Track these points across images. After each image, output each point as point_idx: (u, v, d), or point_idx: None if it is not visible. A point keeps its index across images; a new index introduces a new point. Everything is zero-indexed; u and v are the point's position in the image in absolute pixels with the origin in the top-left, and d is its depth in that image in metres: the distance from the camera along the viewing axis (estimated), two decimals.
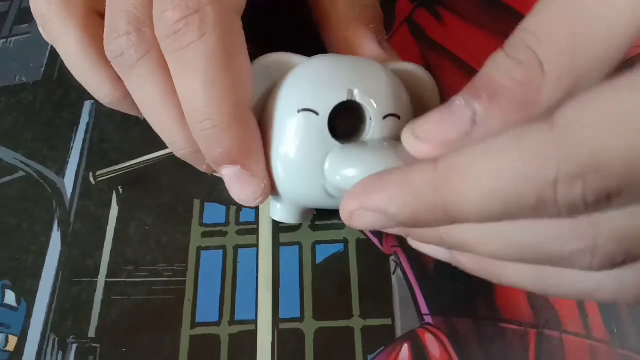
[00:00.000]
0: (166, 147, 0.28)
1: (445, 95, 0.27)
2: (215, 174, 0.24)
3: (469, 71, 0.30)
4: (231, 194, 0.22)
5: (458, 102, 0.16)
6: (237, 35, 0.20)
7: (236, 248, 0.27)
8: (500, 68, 0.16)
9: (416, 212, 0.15)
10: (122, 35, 0.20)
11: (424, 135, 0.17)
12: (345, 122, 0.21)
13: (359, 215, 0.17)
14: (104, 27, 0.21)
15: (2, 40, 0.33)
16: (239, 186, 0.21)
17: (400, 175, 0.16)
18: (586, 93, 0.13)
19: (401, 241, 0.26)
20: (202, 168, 0.24)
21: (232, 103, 0.20)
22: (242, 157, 0.21)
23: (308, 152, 0.20)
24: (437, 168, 0.15)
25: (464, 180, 0.14)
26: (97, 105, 0.31)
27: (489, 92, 0.15)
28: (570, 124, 0.13)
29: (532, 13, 0.16)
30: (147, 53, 0.20)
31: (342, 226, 0.27)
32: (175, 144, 0.22)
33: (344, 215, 0.18)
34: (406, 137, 0.17)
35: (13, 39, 0.33)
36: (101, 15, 0.22)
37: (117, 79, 0.22)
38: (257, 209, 0.27)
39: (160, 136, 0.23)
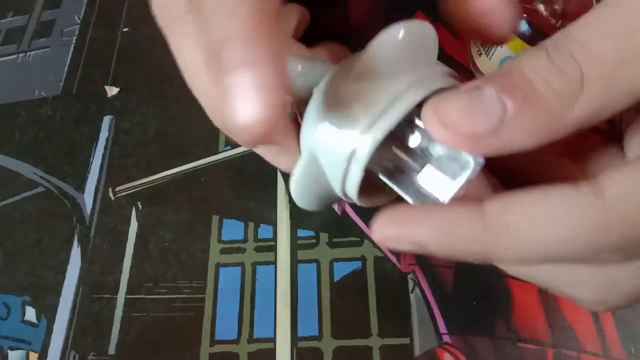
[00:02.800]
0: (184, 163, 0.29)
1: None
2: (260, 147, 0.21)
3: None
4: (231, 111, 0.15)
5: (489, 93, 0.15)
6: None
7: (254, 265, 0.27)
8: (540, 70, 0.15)
9: (454, 253, 0.15)
10: None
11: (449, 123, 0.15)
12: None
13: (394, 241, 0.17)
14: None
15: (20, 55, 0.34)
16: (244, 96, 0.15)
17: (447, 218, 0.15)
18: (628, 165, 0.14)
19: (419, 259, 0.26)
20: (243, 142, 0.17)
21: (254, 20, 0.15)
22: (257, 56, 0.15)
23: None
24: (486, 224, 0.15)
25: (513, 241, 0.15)
26: (116, 120, 0.31)
27: (524, 93, 0.15)
28: (619, 199, 0.14)
29: (583, 20, 0.15)
30: (197, 7, 0.16)
31: (359, 243, 0.27)
32: (218, 113, 0.19)
33: (377, 235, 0.17)
34: (428, 117, 0.16)
35: (32, 52, 0.34)
36: None
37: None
38: (274, 225, 0.28)
39: (203, 104, 0.19)
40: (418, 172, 0.18)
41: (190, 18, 0.17)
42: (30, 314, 0.26)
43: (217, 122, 0.19)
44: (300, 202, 0.21)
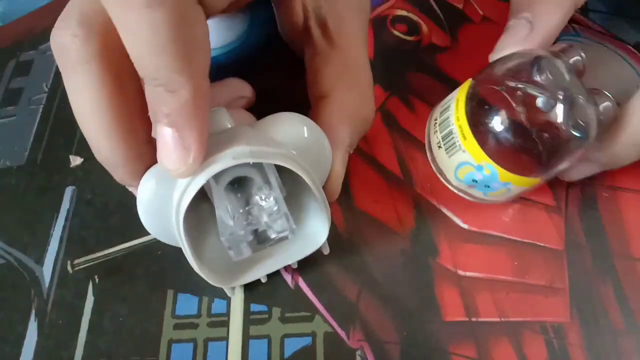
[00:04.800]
0: (142, 236, 0.30)
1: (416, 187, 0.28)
2: (128, 186, 0.26)
3: None
4: (157, 155, 0.22)
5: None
6: (191, 9, 0.21)
7: (206, 341, 0.27)
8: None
9: None
10: (69, 34, 0.21)
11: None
12: None
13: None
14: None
15: None
16: (168, 150, 0.21)
17: None
18: None
19: (367, 335, 0.27)
20: (117, 178, 0.25)
21: (180, 70, 0.20)
22: (179, 123, 0.21)
23: None
24: None
25: None
26: (78, 191, 0.32)
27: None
28: None
29: None
30: (88, 63, 0.21)
31: (310, 318, 0.28)
32: (99, 153, 0.23)
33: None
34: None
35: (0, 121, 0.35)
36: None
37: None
38: (228, 300, 0.28)
39: (87, 140, 0.23)
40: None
41: (81, 70, 0.21)
42: None
43: (98, 157, 0.24)
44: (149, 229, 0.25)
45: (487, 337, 0.26)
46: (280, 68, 0.34)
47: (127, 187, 0.26)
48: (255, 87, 0.30)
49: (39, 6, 0.39)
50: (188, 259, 0.24)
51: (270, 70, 0.34)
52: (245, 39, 0.32)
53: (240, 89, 0.30)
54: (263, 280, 0.28)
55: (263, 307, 0.28)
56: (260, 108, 0.29)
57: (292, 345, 0.27)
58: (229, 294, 0.28)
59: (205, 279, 0.25)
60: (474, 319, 0.27)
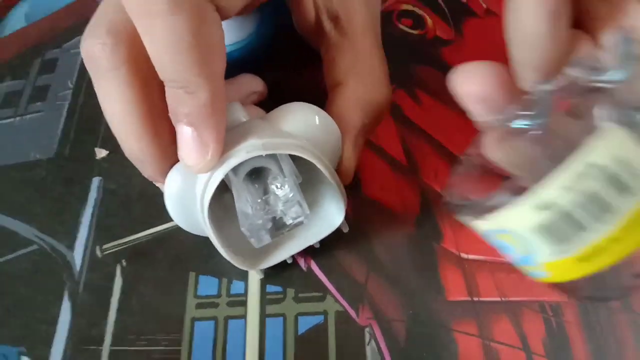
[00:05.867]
0: (165, 222, 0.32)
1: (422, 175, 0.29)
2: (155, 182, 0.28)
3: (444, 152, 0.33)
4: (178, 152, 0.24)
5: None
6: (208, 15, 0.22)
7: (226, 319, 0.29)
8: None
9: None
10: (98, 43, 0.23)
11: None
12: None
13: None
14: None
15: (17, 118, 0.37)
16: (188, 148, 0.23)
17: None
18: None
19: (375, 314, 0.29)
20: (145, 175, 0.27)
21: (198, 73, 0.22)
22: (198, 123, 0.23)
23: None
24: None
25: None
26: (104, 182, 0.34)
27: None
28: None
29: None
30: (117, 69, 0.23)
31: (322, 298, 0.29)
32: (129, 153, 0.26)
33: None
34: None
35: (28, 116, 0.37)
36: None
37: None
38: (246, 281, 0.30)
39: (118, 141, 0.25)
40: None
41: (111, 75, 0.23)
42: None
43: (128, 156, 0.26)
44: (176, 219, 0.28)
45: (488, 315, 0.28)
46: (289, 61, 0.36)
47: (154, 182, 0.28)
48: (265, 81, 0.32)
49: (61, 6, 0.41)
50: (216, 246, 0.26)
51: (279, 64, 0.35)
52: (255, 35, 0.34)
53: (254, 84, 0.32)
54: (289, 262, 0.30)
55: (278, 288, 0.30)
56: (272, 100, 0.31)
57: (306, 323, 0.29)
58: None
59: (234, 263, 0.27)
60: (475, 299, 0.29)
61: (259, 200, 0.26)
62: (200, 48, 0.22)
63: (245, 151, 0.24)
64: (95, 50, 0.23)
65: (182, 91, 0.22)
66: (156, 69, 0.22)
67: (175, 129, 0.24)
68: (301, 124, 0.26)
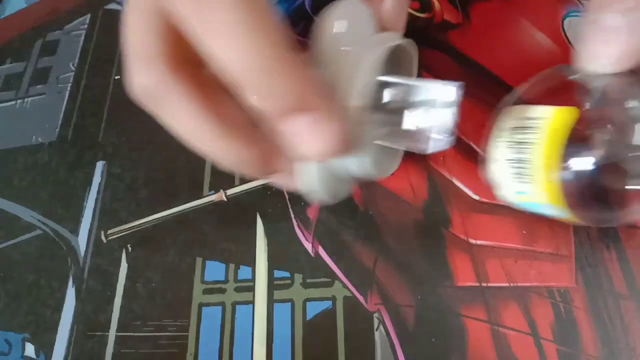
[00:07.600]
0: (171, 207, 0.31)
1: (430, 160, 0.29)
2: (271, 176, 0.25)
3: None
4: (303, 151, 0.20)
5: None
6: None
7: (234, 304, 0.29)
8: None
9: None
10: (150, 74, 0.21)
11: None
12: None
13: None
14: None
15: (19, 101, 0.36)
16: (314, 136, 0.19)
17: None
18: None
19: (384, 299, 0.29)
20: (253, 176, 0.24)
21: (271, 46, 0.19)
22: (311, 100, 0.19)
23: None
24: None
25: None
26: (108, 166, 0.33)
27: None
28: None
29: None
30: (177, 92, 0.21)
31: (330, 284, 0.29)
32: (222, 166, 0.23)
33: None
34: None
35: (29, 99, 0.36)
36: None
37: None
38: (253, 267, 0.30)
39: (210, 157, 0.23)
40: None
41: (174, 98, 0.21)
42: (30, 350, 0.29)
43: (225, 169, 0.23)
44: (319, 193, 0.25)
45: (496, 300, 0.28)
46: None
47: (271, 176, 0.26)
48: None
49: None
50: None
51: None
52: None
53: None
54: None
55: (285, 274, 0.30)
56: None
57: (314, 309, 0.29)
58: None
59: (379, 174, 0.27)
60: (484, 284, 0.29)
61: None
62: (269, 30, 0.19)
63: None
64: (149, 81, 0.21)
65: (270, 78, 0.19)
66: (229, 71, 0.19)
67: (277, 128, 0.20)
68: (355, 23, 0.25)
